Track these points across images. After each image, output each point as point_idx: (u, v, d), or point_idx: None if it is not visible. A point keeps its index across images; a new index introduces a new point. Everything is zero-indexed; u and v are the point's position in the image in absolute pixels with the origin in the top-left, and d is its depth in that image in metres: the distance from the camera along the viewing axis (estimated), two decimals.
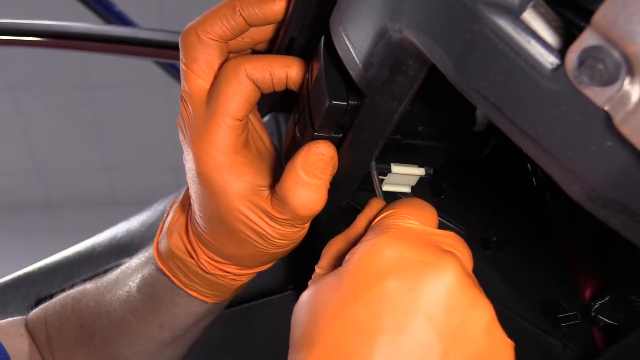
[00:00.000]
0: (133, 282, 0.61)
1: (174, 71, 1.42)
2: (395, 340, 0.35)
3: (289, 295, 0.81)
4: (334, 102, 0.44)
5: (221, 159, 0.49)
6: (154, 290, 0.59)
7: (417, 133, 0.48)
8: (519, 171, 0.60)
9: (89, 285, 0.65)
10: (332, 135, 0.47)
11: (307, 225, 0.52)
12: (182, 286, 0.58)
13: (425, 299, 0.36)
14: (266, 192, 0.50)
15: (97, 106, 2.87)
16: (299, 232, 0.52)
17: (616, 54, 0.27)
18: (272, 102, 0.57)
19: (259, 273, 0.60)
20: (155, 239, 0.60)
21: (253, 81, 0.49)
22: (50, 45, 1.15)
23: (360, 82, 0.42)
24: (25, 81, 2.76)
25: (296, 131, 0.51)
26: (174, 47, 1.08)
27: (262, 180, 0.50)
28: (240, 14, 0.48)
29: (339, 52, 0.43)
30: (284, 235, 0.51)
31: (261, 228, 0.50)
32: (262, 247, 0.52)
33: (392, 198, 0.54)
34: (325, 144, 0.47)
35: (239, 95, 0.48)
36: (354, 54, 0.41)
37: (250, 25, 0.50)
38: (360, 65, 0.41)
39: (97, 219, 1.54)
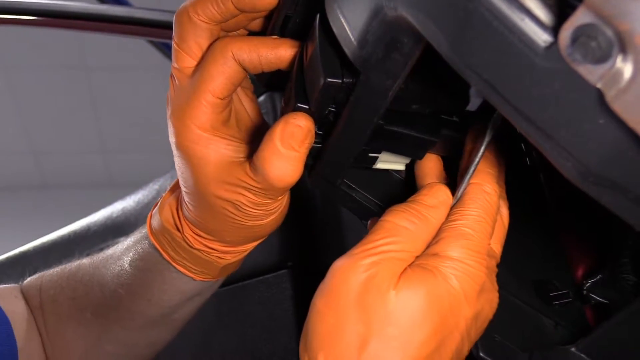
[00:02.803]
0: (126, 257, 0.62)
1: (167, 51, 1.42)
2: None
3: (283, 274, 0.82)
4: (329, 79, 0.44)
5: (198, 132, 0.50)
6: (145, 264, 0.61)
7: (408, 120, 0.48)
8: (513, 151, 0.60)
9: (85, 260, 0.67)
10: (327, 111, 0.47)
11: (285, 198, 0.53)
12: (170, 260, 0.59)
13: None
14: (242, 163, 0.50)
15: (92, 87, 2.85)
16: (274, 203, 0.52)
17: (609, 32, 0.27)
18: (268, 82, 0.57)
19: (254, 252, 0.60)
20: (150, 213, 0.61)
21: (240, 62, 0.50)
22: (45, 24, 1.14)
23: (355, 59, 0.42)
24: (20, 61, 2.74)
25: (281, 103, 0.51)
26: (169, 26, 1.08)
27: (240, 153, 0.51)
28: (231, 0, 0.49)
29: (334, 29, 0.43)
30: (258, 205, 0.51)
31: (234, 197, 0.51)
32: (237, 218, 0.53)
33: (388, 178, 0.55)
34: (303, 116, 0.47)
35: (222, 74, 0.49)
36: (349, 32, 0.41)
37: (240, 12, 0.50)
38: (355, 43, 0.41)
39: (93, 201, 1.54)
